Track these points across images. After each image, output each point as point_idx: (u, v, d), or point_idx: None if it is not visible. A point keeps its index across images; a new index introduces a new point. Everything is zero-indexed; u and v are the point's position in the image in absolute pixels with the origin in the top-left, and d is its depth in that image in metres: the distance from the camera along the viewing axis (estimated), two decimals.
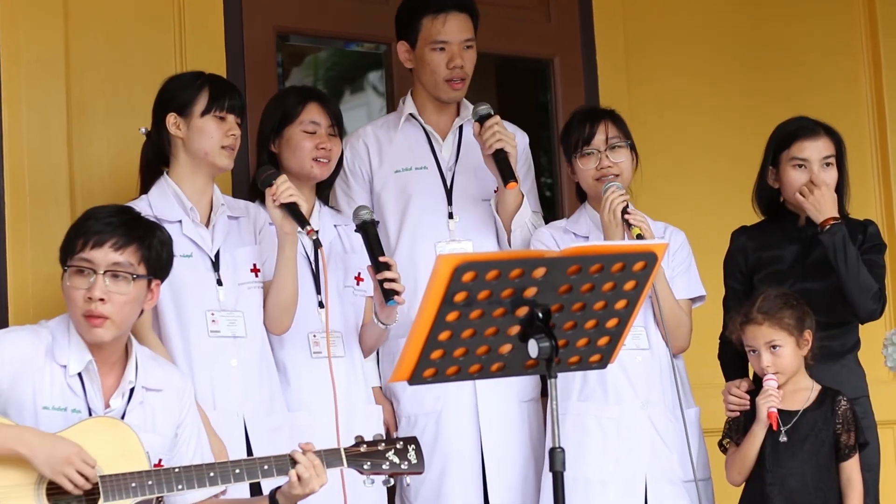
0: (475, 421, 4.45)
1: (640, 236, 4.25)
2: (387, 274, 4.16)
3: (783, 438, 4.25)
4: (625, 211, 4.31)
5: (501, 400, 4.47)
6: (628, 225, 4.29)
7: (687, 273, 4.52)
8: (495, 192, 4.58)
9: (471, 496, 4.44)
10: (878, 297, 4.42)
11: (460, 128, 4.66)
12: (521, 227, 4.52)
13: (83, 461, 3.43)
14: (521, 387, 4.51)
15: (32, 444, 3.43)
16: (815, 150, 4.49)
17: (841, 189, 4.52)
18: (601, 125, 4.48)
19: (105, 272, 3.59)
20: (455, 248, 4.50)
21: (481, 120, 4.43)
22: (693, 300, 4.53)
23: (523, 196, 4.52)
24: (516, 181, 4.39)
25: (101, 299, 3.56)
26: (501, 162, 4.39)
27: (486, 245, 4.52)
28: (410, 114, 4.63)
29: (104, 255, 3.59)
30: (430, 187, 4.58)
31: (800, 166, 4.50)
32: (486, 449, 4.44)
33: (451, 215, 4.56)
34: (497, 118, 4.43)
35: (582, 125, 4.50)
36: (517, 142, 4.51)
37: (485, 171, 4.56)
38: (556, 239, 4.53)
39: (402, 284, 4.18)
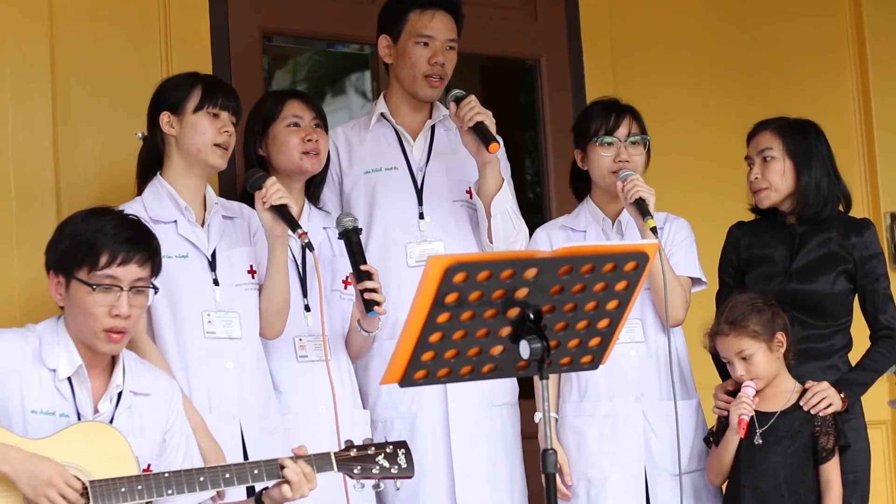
0: (444, 425, 4.41)
1: (654, 230, 4.24)
2: (367, 284, 4.13)
3: (758, 441, 4.25)
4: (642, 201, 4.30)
5: (472, 404, 4.43)
6: (642, 214, 4.28)
7: (685, 252, 4.49)
8: (467, 192, 4.56)
9: (442, 501, 4.40)
10: None
11: (432, 128, 4.63)
12: (501, 213, 4.46)
13: (65, 482, 3.41)
14: (493, 391, 4.46)
15: (15, 465, 3.40)
16: (754, 146, 4.54)
17: (800, 181, 4.46)
18: (626, 118, 4.48)
19: (130, 288, 3.60)
20: (426, 248, 4.46)
21: (457, 100, 4.41)
22: (693, 284, 4.50)
23: (503, 180, 4.47)
24: (498, 143, 4.36)
25: (128, 316, 3.58)
26: (481, 130, 4.36)
27: (458, 246, 4.48)
28: (382, 114, 4.60)
29: (129, 272, 3.60)
30: (401, 187, 4.54)
31: (751, 165, 4.55)
32: (455, 453, 4.40)
33: (421, 215, 4.52)
34: (473, 96, 4.41)
35: (607, 114, 4.49)
36: None
37: (456, 171, 4.55)
38: (552, 237, 4.53)
39: (382, 295, 4.15)
